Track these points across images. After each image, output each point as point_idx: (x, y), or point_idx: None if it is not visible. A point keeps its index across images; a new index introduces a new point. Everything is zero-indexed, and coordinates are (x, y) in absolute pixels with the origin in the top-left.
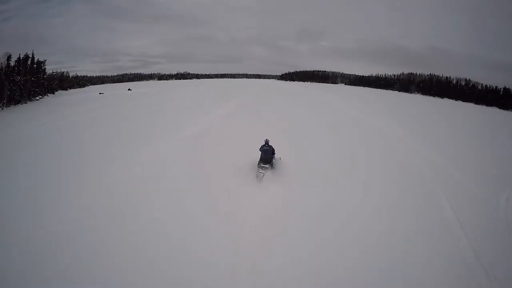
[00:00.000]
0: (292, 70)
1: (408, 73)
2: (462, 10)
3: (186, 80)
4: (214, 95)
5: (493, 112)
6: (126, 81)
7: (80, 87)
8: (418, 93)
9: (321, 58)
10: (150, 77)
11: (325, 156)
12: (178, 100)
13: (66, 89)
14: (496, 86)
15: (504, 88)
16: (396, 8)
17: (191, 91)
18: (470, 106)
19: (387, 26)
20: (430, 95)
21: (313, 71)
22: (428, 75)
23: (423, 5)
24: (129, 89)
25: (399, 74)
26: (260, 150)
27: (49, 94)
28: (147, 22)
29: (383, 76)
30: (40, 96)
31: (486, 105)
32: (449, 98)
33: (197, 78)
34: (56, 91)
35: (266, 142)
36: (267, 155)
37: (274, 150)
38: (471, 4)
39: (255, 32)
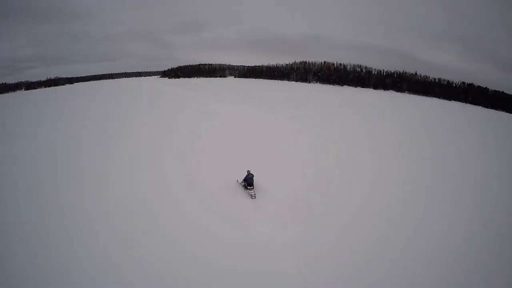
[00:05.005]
0: (175, 65)
1: (302, 62)
2: None
3: (57, 87)
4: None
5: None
6: None
7: None
8: (317, 82)
9: (205, 51)
10: (16, 87)
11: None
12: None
13: None
14: (391, 71)
15: (397, 72)
16: None
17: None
18: (370, 92)
19: (266, 17)
20: (329, 84)
21: (199, 65)
22: (322, 63)
23: None
24: None
25: (291, 63)
26: (246, 178)
27: None
28: (15, 17)
29: (275, 66)
30: None
31: (384, 89)
32: (348, 86)
33: (71, 83)
34: None
35: (249, 172)
36: (251, 180)
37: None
38: None
39: (132, 26)
